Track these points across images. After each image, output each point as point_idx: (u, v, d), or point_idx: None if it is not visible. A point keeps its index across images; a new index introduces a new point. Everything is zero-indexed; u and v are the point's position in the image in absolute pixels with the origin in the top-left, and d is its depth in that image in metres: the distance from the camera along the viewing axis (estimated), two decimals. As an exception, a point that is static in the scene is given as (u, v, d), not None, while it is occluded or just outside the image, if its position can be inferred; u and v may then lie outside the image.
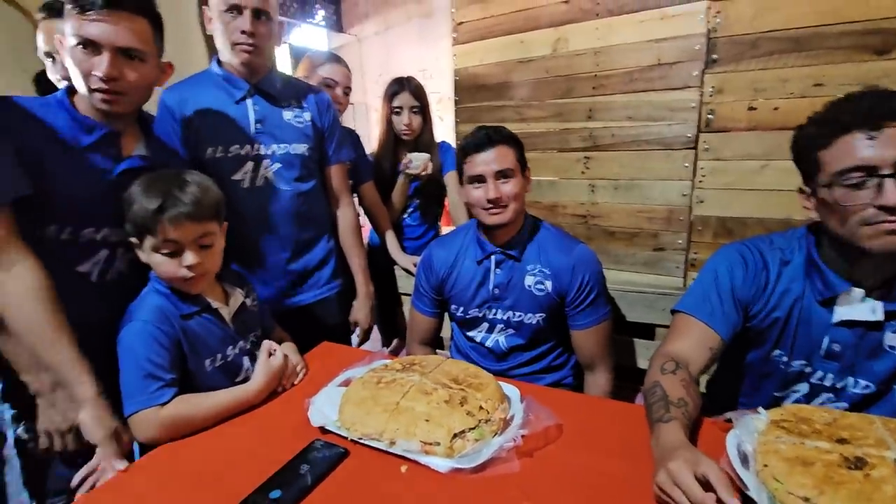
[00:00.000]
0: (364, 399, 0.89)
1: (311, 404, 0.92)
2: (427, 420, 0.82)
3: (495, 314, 1.26)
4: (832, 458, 0.67)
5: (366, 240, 2.03)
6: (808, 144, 0.86)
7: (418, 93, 1.78)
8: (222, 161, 1.25)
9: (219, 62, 1.29)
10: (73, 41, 0.91)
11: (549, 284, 1.20)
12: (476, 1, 1.75)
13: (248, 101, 1.28)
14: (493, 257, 1.23)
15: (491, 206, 1.15)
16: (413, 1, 4.87)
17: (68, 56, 0.92)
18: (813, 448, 0.70)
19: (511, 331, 1.26)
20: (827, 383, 0.93)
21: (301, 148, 1.34)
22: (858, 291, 0.86)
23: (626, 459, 0.78)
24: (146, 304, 0.96)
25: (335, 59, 1.71)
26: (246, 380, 1.02)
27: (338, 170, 1.46)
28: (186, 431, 0.90)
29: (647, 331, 1.48)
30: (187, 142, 1.25)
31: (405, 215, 1.92)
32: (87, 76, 0.92)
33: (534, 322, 1.23)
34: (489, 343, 1.29)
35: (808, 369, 0.94)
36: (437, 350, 1.50)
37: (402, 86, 1.77)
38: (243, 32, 1.19)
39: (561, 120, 1.67)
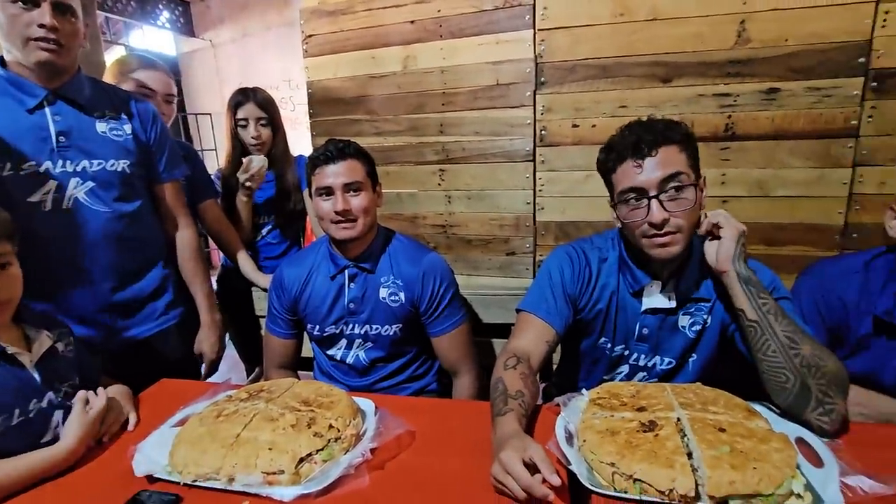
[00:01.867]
0: (200, 437, 0.81)
1: (136, 451, 0.81)
2: (270, 448, 0.78)
3: (353, 329, 1.24)
4: (633, 426, 0.79)
5: (219, 262, 1.88)
6: (602, 169, 1.02)
7: (265, 104, 1.69)
8: (13, 180, 1.06)
9: (2, 63, 1.09)
10: None
11: (402, 295, 1.22)
12: (325, 15, 1.74)
13: (47, 110, 1.09)
14: (346, 271, 1.22)
15: (340, 218, 1.14)
16: (273, 10, 4.67)
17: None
18: (620, 419, 0.82)
19: (370, 344, 1.26)
20: (641, 363, 1.08)
21: (121, 164, 1.18)
22: (657, 284, 1.03)
23: (473, 457, 0.82)
24: None
25: (151, 63, 1.53)
26: (56, 439, 0.87)
27: (171, 188, 1.33)
28: None
29: (505, 331, 1.58)
30: None
31: (264, 233, 1.82)
32: None
33: (391, 333, 1.24)
34: (350, 359, 1.27)
35: (626, 352, 1.09)
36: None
37: (247, 96, 1.67)
38: (41, 27, 1.02)
39: (416, 134, 1.73)
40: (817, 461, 0.73)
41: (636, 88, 1.48)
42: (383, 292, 1.22)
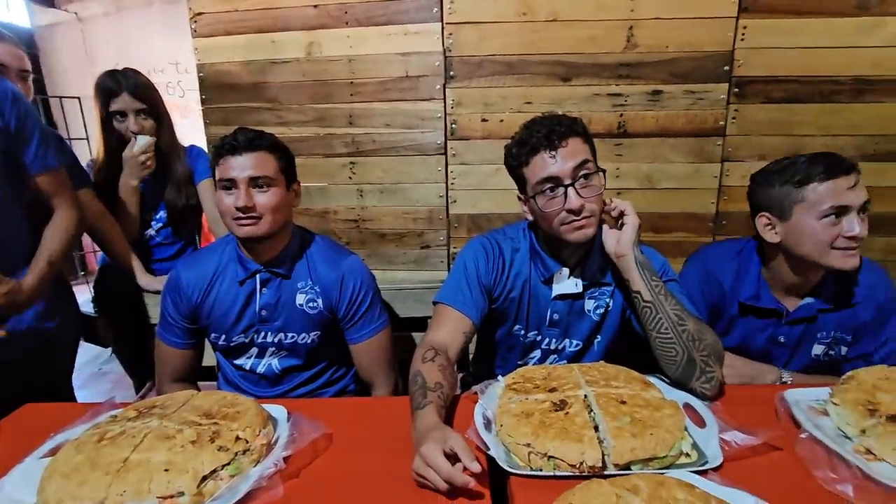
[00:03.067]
0: (77, 466, 0.70)
1: (-6, 493, 0.69)
2: (167, 469, 0.70)
3: (264, 337, 1.16)
4: (545, 407, 0.82)
5: (96, 264, 1.65)
6: (512, 163, 1.05)
7: (143, 92, 1.48)
8: None
9: None
10: None
11: (320, 301, 1.15)
12: (216, -9, 1.60)
13: None
14: (257, 276, 1.13)
15: (241, 215, 1.04)
16: (153, -18, 4.20)
17: None
18: (533, 401, 0.85)
19: (284, 353, 1.18)
20: (552, 347, 1.14)
21: None
22: (566, 271, 1.08)
23: (394, 454, 0.80)
24: None
25: (0, 35, 1.31)
26: None
27: (48, 178, 1.14)
28: None
29: (423, 324, 1.58)
30: None
31: (152, 232, 1.62)
32: None
33: (308, 341, 1.17)
34: (260, 368, 1.18)
35: (538, 338, 1.14)
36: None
37: (118, 83, 1.45)
38: None
39: (323, 125, 1.65)
40: (701, 422, 0.82)
41: (540, 86, 1.55)
42: (300, 298, 1.14)
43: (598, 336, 1.13)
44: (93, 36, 4.43)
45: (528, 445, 0.75)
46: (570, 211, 0.97)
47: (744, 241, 1.19)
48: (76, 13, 4.38)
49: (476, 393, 0.93)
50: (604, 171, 1.00)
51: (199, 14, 1.62)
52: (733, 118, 1.52)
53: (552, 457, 0.73)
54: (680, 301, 0.97)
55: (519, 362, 1.18)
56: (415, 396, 0.87)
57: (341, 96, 1.63)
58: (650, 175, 1.57)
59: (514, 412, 0.82)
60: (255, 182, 1.05)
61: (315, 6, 1.57)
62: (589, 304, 1.11)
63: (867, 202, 0.98)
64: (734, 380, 1.06)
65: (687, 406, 0.87)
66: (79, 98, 4.33)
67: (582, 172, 0.96)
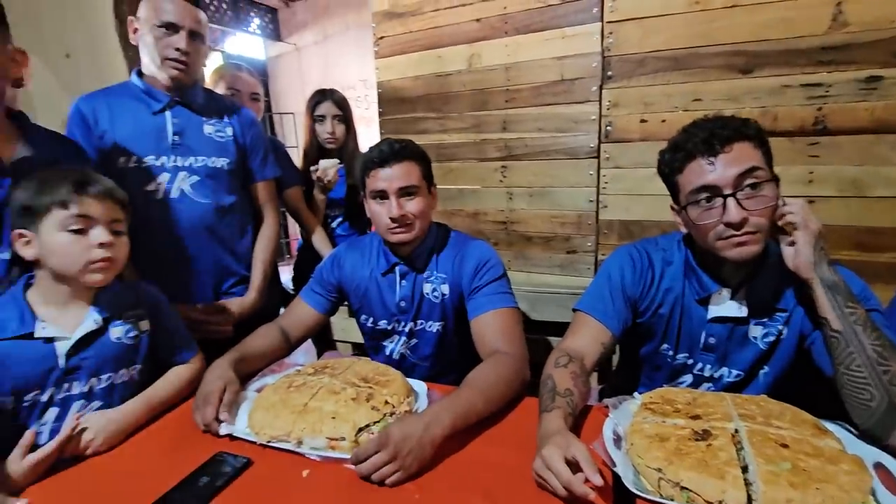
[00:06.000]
0: (273, 404, 0.91)
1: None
2: (333, 417, 0.86)
3: (403, 326, 1.25)
4: (684, 433, 0.77)
5: (295, 251, 2.04)
6: (665, 170, 0.97)
7: (341, 103, 1.83)
8: (135, 171, 1.25)
9: (139, 74, 1.30)
10: None
11: (445, 287, 1.20)
12: (395, 17, 1.81)
13: (167, 114, 1.29)
14: (397, 269, 1.22)
15: (395, 225, 1.12)
16: (351, 10, 4.88)
17: None
18: (671, 425, 0.79)
19: (415, 340, 1.26)
20: (706, 374, 1.02)
21: (221, 161, 1.35)
22: (726, 291, 0.97)
23: (516, 448, 0.84)
24: None
25: (237, 67, 1.77)
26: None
27: (263, 186, 1.48)
28: None
29: (561, 329, 1.56)
30: (98, 150, 1.24)
31: (334, 225, 1.95)
32: None
33: (434, 330, 1.23)
34: (395, 355, 1.29)
35: (690, 361, 1.03)
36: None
37: (324, 96, 1.83)
38: (177, 50, 1.22)
39: (478, 131, 1.75)
40: (896, 489, 0.67)
41: (712, 80, 1.39)
42: (427, 288, 1.21)
43: (765, 367, 0.98)
44: (305, 61, 5.37)
45: (660, 471, 0.71)
46: (728, 225, 0.86)
47: None
48: (295, 44, 5.37)
49: (607, 406, 0.91)
50: (777, 179, 0.87)
51: (381, 38, 1.86)
52: None
53: (685, 488, 0.68)
54: (887, 336, 0.79)
55: (665, 385, 1.09)
56: (543, 399, 0.88)
57: (496, 103, 1.70)
58: (857, 180, 1.29)
59: (647, 433, 0.78)
60: (403, 191, 1.12)
61: (478, 20, 1.67)
62: (755, 331, 0.96)
63: None
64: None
65: (880, 467, 0.71)
66: (293, 114, 5.31)
67: (748, 181, 0.85)
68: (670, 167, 0.94)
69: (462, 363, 1.30)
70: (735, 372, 1.00)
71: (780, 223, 0.87)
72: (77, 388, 0.92)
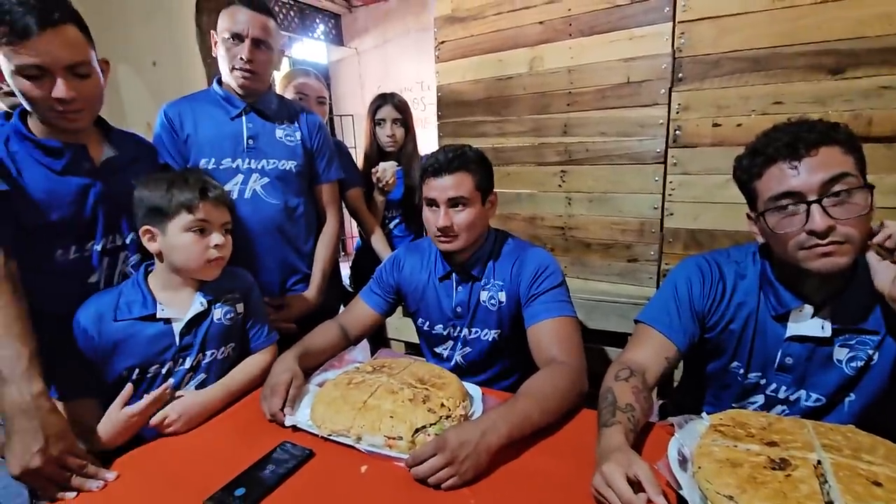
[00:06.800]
0: (334, 399, 0.95)
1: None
2: (391, 416, 0.88)
3: (458, 332, 1.26)
4: (759, 460, 0.72)
5: (352, 249, 2.10)
6: (742, 177, 0.91)
7: (401, 106, 1.87)
8: (214, 172, 1.34)
9: (220, 82, 1.40)
10: (13, 71, 0.89)
11: (502, 295, 1.20)
12: (457, 21, 1.82)
13: (243, 119, 1.38)
14: (454, 275, 1.24)
15: (440, 233, 1.15)
16: (411, 14, 4.97)
17: (14, 86, 0.91)
18: (744, 451, 0.75)
19: (468, 349, 1.27)
20: (781, 395, 0.95)
21: (290, 164, 1.42)
22: (808, 308, 0.90)
23: (573, 461, 0.82)
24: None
25: (305, 72, 1.84)
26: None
27: (327, 188, 1.55)
28: None
29: (620, 340, 1.52)
30: (183, 153, 1.35)
31: (391, 226, 1.99)
32: (42, 102, 0.92)
33: (489, 339, 1.23)
34: (450, 360, 1.30)
35: (763, 381, 0.97)
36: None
37: (385, 100, 1.88)
38: (241, 59, 1.30)
39: (538, 135, 1.73)
40: None
41: (796, 82, 1.30)
42: (483, 296, 1.22)
43: (851, 395, 0.90)
44: (365, 65, 5.53)
45: (731, 499, 0.67)
46: (812, 233, 0.79)
47: None
48: (356, 48, 5.53)
49: (672, 425, 0.86)
50: (871, 188, 0.79)
51: (443, 42, 1.88)
52: None
53: (760, 519, 0.64)
54: None
55: (734, 405, 1.02)
56: (602, 413, 0.86)
57: (558, 106, 1.67)
58: (968, 192, 1.15)
59: (717, 457, 0.74)
60: (453, 202, 1.13)
61: (541, 22, 1.65)
62: (840, 353, 0.89)
63: None
64: None
65: None
66: (352, 116, 5.47)
67: (836, 188, 0.78)
68: (748, 173, 0.89)
69: (517, 370, 1.30)
70: (815, 396, 0.93)
71: (886, 244, 0.78)
72: (188, 362, 1.05)
